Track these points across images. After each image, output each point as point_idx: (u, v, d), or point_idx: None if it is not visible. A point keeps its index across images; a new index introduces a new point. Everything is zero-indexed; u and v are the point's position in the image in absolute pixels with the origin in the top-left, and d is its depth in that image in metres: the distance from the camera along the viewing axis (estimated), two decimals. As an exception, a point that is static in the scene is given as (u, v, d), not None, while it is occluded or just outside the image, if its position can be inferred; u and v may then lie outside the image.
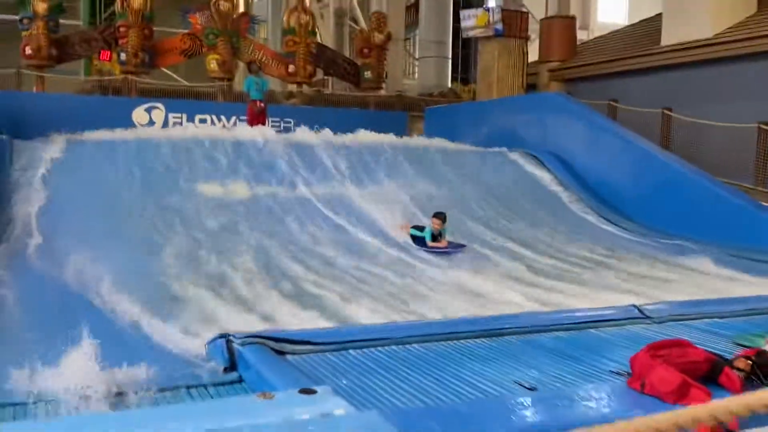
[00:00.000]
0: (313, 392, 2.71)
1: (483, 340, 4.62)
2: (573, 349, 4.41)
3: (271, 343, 4.13)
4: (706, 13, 14.00)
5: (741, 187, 11.19)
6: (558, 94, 15.04)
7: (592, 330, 4.86)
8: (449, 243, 8.77)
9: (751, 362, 2.79)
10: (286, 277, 6.94)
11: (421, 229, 8.91)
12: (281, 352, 4.15)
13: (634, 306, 5.24)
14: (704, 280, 7.37)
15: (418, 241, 8.80)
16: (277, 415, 2.41)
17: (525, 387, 3.54)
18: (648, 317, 5.12)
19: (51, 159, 9.66)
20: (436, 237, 8.74)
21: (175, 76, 24.72)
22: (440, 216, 8.79)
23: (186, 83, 21.09)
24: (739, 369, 2.77)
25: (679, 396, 2.52)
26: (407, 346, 4.44)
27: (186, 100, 17.53)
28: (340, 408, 2.55)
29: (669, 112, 13.47)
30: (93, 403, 3.45)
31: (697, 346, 3.20)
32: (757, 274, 7.49)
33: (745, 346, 3.84)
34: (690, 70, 14.31)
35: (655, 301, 5.68)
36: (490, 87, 17.66)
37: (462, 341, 4.58)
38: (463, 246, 8.70)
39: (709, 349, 3.55)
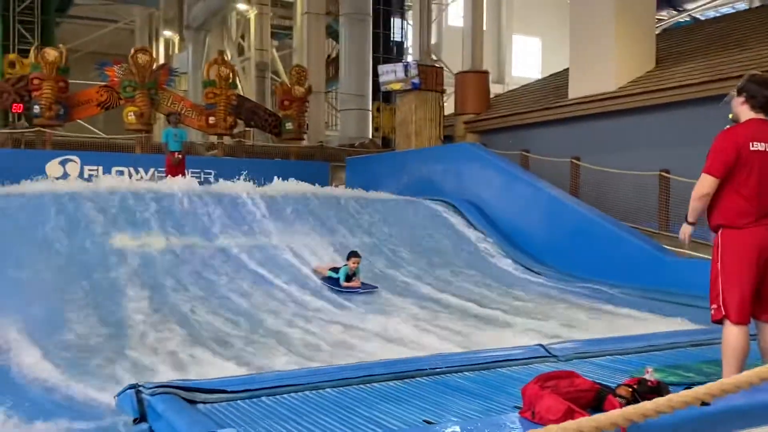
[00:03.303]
0: (218, 435, 2.75)
1: (396, 382, 4.70)
2: (481, 388, 4.55)
3: (182, 393, 4.11)
4: (608, 69, 14.83)
5: (645, 232, 11.75)
6: (472, 144, 15.55)
7: (500, 369, 5.01)
8: (362, 284, 9.02)
9: (632, 390, 2.99)
10: (203, 327, 6.90)
11: (338, 270, 9.18)
12: (193, 402, 4.14)
13: (541, 345, 5.44)
14: (610, 319, 7.70)
15: (332, 281, 9.05)
16: (180, 458, 2.44)
17: (427, 423, 3.66)
18: (554, 356, 5.32)
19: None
20: (350, 277, 9.07)
21: (92, 128, 24.37)
22: (356, 255, 9.23)
23: (104, 135, 20.82)
24: (621, 396, 2.96)
25: (562, 421, 2.68)
26: (321, 391, 4.49)
27: (102, 153, 17.30)
28: (243, 449, 2.59)
29: (577, 161, 14.09)
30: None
31: (588, 377, 3.40)
32: (657, 312, 7.88)
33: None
34: (596, 122, 15.06)
35: (562, 340, 5.91)
36: (409, 138, 18.10)
37: (375, 384, 4.65)
38: (375, 288, 8.97)
39: (603, 382, 3.76)
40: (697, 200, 4.19)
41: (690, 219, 4.31)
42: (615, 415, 1.31)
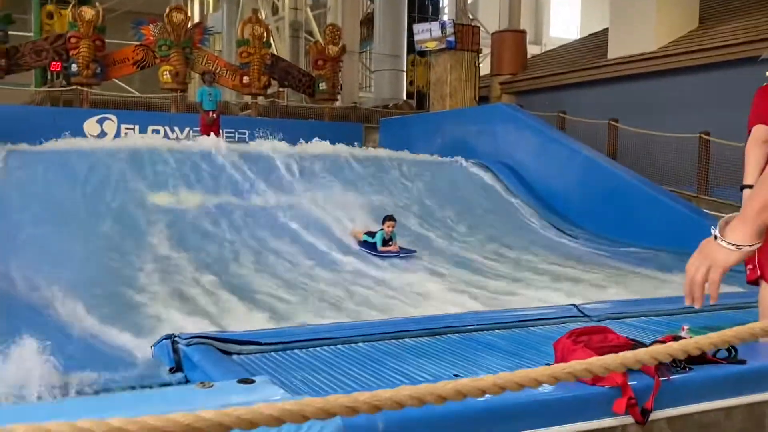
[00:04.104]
0: (252, 382, 2.79)
1: (426, 338, 4.72)
2: (512, 345, 4.54)
3: (217, 344, 4.17)
4: (649, 28, 14.47)
5: (684, 195, 11.55)
6: (508, 105, 15.34)
7: (532, 328, 5.00)
8: (400, 248, 8.93)
9: (666, 346, 2.95)
10: (239, 283, 6.99)
11: (373, 234, 9.07)
12: (227, 353, 4.20)
13: (574, 305, 5.39)
14: (645, 282, 7.62)
15: (368, 245, 8.96)
16: (214, 402, 2.48)
17: (457, 377, 3.68)
18: (587, 315, 5.27)
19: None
20: (387, 241, 8.93)
21: (128, 87, 24.54)
22: (391, 219, 9.02)
23: (139, 94, 20.97)
24: (655, 352, 2.93)
25: (597, 377, 2.67)
26: (353, 345, 4.53)
27: (139, 111, 17.45)
28: (276, 395, 2.64)
29: (615, 123, 13.83)
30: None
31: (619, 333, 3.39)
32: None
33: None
34: (635, 83, 14.75)
35: (595, 300, 5.87)
36: (443, 99, 17.92)
37: (407, 339, 4.68)
38: (413, 251, 8.88)
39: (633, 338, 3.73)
40: (756, 147, 3.83)
41: (748, 179, 3.76)
42: (641, 353, 1.29)
